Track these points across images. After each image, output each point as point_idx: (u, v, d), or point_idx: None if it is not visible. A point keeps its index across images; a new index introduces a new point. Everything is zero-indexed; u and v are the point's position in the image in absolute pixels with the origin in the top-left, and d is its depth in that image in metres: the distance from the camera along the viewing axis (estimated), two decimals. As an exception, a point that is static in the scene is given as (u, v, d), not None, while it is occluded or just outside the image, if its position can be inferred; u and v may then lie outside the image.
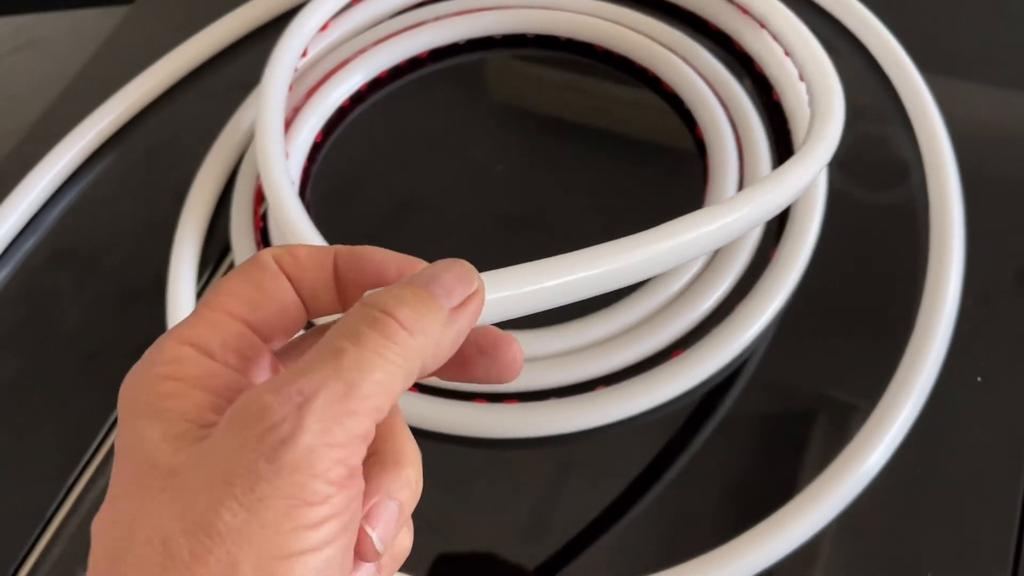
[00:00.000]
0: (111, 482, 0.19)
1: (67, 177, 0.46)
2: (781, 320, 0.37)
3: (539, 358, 0.37)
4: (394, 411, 0.21)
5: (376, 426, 0.18)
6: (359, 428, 0.18)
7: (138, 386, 0.19)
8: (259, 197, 0.43)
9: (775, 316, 0.36)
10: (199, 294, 0.41)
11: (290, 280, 0.21)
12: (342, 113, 0.46)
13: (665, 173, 0.43)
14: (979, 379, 0.35)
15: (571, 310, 0.37)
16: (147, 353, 0.20)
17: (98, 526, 0.19)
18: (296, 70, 0.44)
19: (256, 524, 0.17)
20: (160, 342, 0.20)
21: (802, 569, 0.32)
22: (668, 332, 0.36)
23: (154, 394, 0.19)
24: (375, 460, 0.20)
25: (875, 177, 0.40)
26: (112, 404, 0.38)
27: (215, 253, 0.42)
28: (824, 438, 0.34)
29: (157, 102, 0.48)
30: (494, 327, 0.22)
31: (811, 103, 0.35)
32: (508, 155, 0.44)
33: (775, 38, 0.40)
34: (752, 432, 0.35)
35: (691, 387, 0.35)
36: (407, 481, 0.20)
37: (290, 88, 0.43)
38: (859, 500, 0.32)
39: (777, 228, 0.39)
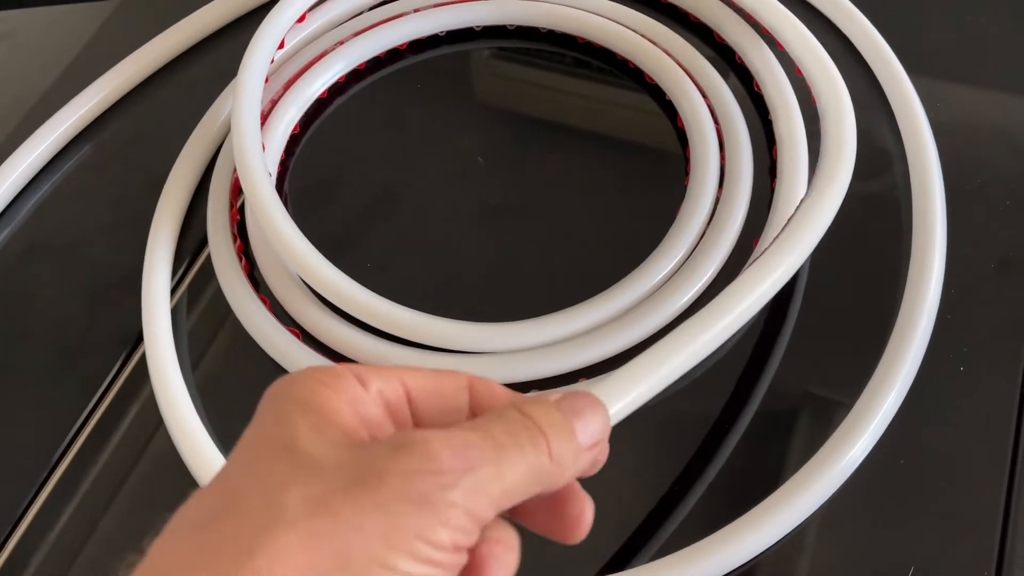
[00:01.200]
0: (230, 461, 0.20)
1: (41, 168, 0.45)
2: (759, 315, 0.36)
3: (520, 350, 0.36)
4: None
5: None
6: (489, 513, 0.20)
7: (296, 384, 0.21)
8: (236, 190, 0.42)
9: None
10: (174, 288, 0.40)
11: (471, 396, 0.23)
12: (320, 105, 0.45)
13: (646, 164, 0.43)
14: (961, 369, 0.35)
15: (552, 301, 0.37)
16: (313, 367, 0.21)
17: (199, 494, 0.20)
18: (273, 61, 0.44)
19: (378, 529, 0.18)
20: (331, 366, 0.22)
21: (784, 562, 0.31)
22: (650, 323, 0.36)
23: (311, 394, 0.20)
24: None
25: (857, 168, 0.40)
26: (87, 398, 0.38)
27: (191, 246, 0.42)
28: (807, 430, 0.34)
29: (134, 92, 0.48)
30: (578, 484, 0.23)
31: (822, 123, 0.36)
32: (489, 148, 0.44)
33: (801, 70, 0.40)
34: (734, 425, 0.35)
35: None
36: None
37: (267, 80, 0.42)
38: (841, 492, 0.32)
39: (758, 218, 0.38)
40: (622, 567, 0.31)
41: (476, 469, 0.20)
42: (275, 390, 0.21)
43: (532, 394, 0.24)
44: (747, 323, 0.31)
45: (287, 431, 0.20)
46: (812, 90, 0.38)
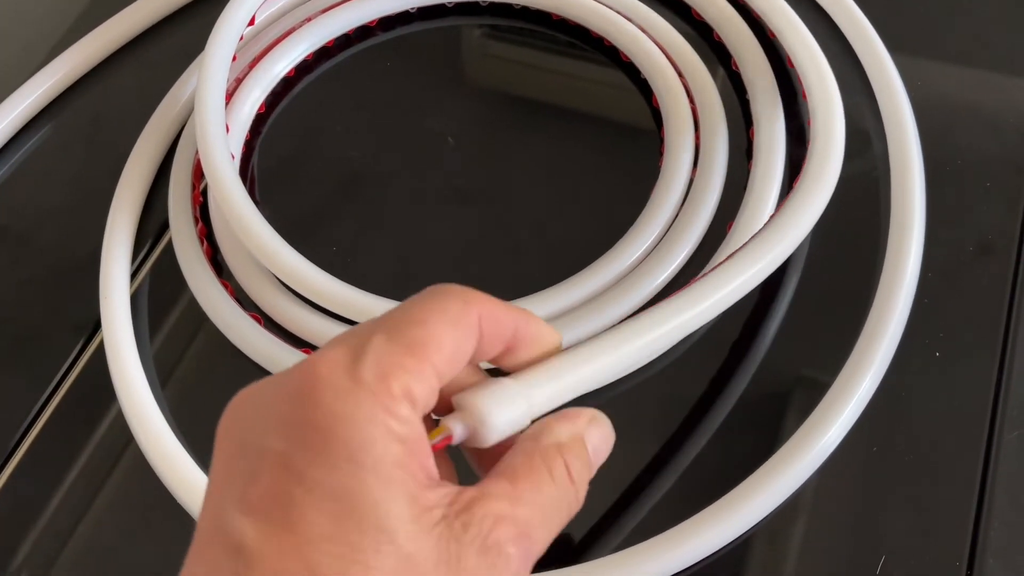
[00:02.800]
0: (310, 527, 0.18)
1: (-1, 149, 0.44)
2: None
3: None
4: None
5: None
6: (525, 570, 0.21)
7: (372, 434, 0.19)
8: (198, 172, 0.41)
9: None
10: (134, 273, 0.39)
11: (479, 337, 0.22)
12: (287, 84, 0.44)
13: (620, 143, 0.42)
14: (937, 355, 0.34)
15: (523, 284, 0.36)
16: (371, 386, 0.19)
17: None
18: (242, 38, 0.42)
19: None
20: (385, 380, 0.19)
21: (754, 551, 0.31)
22: (622, 306, 0.35)
23: (390, 454, 0.19)
24: None
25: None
26: (41, 388, 0.37)
27: (153, 230, 0.41)
28: (780, 415, 0.34)
29: (95, 71, 0.46)
30: None
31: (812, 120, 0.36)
32: (459, 127, 0.43)
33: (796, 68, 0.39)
34: (708, 410, 0.34)
35: (644, 363, 0.34)
36: None
37: (234, 58, 0.41)
38: (813, 481, 0.31)
39: (734, 200, 0.37)
40: (589, 557, 0.31)
41: (529, 531, 0.20)
42: (324, 424, 0.19)
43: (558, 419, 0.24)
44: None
45: (373, 506, 0.18)
46: (801, 80, 0.38)
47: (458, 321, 0.21)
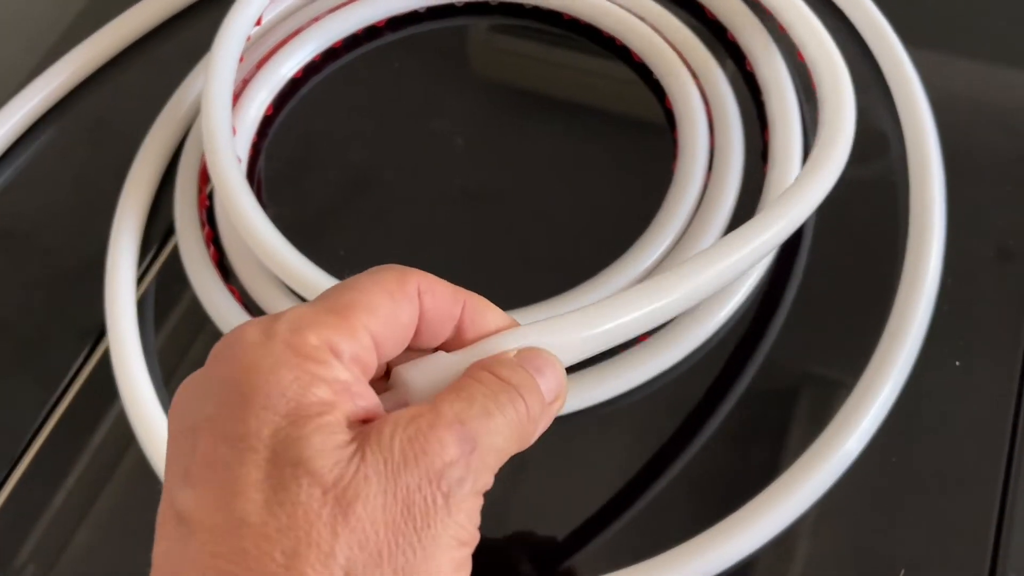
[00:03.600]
0: (195, 462, 0.19)
1: (3, 151, 0.44)
2: (754, 300, 0.35)
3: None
4: None
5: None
6: (488, 484, 0.20)
7: (285, 378, 0.19)
8: (205, 175, 0.40)
9: (748, 296, 0.35)
10: (140, 277, 0.39)
11: (420, 312, 0.22)
12: (294, 85, 0.44)
13: (633, 146, 0.41)
14: (957, 364, 0.33)
15: (533, 290, 0.36)
16: (284, 337, 0.19)
17: (196, 511, 0.18)
18: (249, 39, 0.42)
19: (430, 563, 0.18)
20: (300, 332, 0.19)
21: (775, 562, 0.30)
22: (634, 315, 0.35)
23: (307, 395, 0.19)
24: None
25: (853, 150, 0.39)
26: (47, 393, 0.37)
27: (158, 234, 0.40)
28: (800, 422, 0.33)
29: (100, 72, 0.46)
30: None
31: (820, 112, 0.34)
32: (469, 128, 0.42)
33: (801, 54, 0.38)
34: (725, 418, 0.33)
35: (659, 373, 0.34)
36: None
37: (242, 59, 0.41)
38: (832, 491, 0.31)
39: (749, 204, 0.37)
40: (606, 569, 0.30)
41: (476, 449, 0.19)
42: (258, 380, 0.19)
43: (486, 349, 0.23)
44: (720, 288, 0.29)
45: (293, 446, 0.18)
46: (812, 74, 0.37)
47: (393, 291, 0.21)
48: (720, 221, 0.36)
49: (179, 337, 0.38)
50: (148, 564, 0.32)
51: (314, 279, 0.35)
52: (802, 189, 0.31)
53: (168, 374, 0.37)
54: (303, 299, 0.36)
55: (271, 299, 0.37)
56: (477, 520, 0.20)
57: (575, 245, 0.38)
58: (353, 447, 0.19)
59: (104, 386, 0.36)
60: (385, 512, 0.18)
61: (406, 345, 0.22)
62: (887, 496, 0.31)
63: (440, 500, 0.19)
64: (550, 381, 0.22)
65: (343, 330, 0.20)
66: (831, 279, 0.36)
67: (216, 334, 0.37)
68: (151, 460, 0.34)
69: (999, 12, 0.42)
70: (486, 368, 0.21)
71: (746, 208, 0.37)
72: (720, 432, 0.33)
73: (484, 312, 0.23)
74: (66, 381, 0.37)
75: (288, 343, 0.19)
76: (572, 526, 0.32)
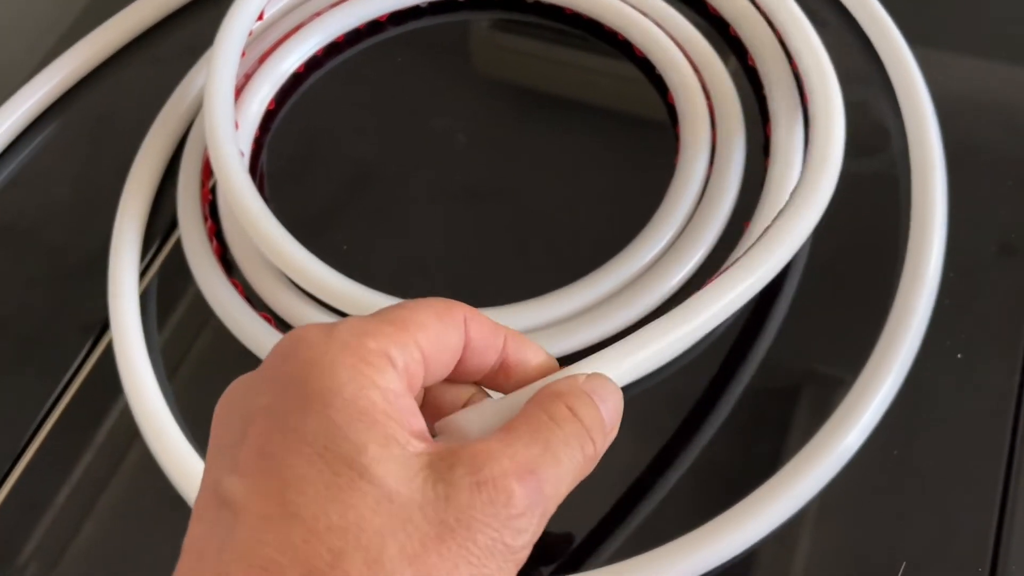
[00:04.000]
0: (278, 472, 0.19)
1: (4, 148, 0.44)
2: (756, 294, 0.35)
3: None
4: None
5: None
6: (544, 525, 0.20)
7: (342, 376, 0.19)
8: (207, 169, 0.40)
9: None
10: (143, 272, 0.39)
11: (465, 342, 0.22)
12: (297, 80, 0.44)
13: (634, 141, 0.41)
14: (959, 357, 0.33)
15: (535, 285, 0.36)
16: (344, 339, 0.20)
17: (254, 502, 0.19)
18: (251, 34, 0.42)
19: None
20: (359, 337, 0.20)
21: (774, 556, 0.30)
22: (636, 308, 0.35)
23: (362, 397, 0.19)
24: None
25: (855, 144, 0.39)
26: (50, 388, 0.37)
27: (161, 229, 0.40)
28: (798, 416, 0.33)
29: (102, 68, 0.46)
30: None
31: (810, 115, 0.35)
32: (471, 124, 0.42)
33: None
34: (726, 411, 0.33)
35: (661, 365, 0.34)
36: None
37: (243, 54, 0.41)
38: (832, 485, 0.31)
39: (751, 198, 0.37)
40: (606, 562, 0.30)
41: (546, 500, 0.20)
42: (318, 381, 0.19)
43: (558, 374, 0.23)
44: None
45: (350, 447, 0.19)
46: (804, 84, 0.37)
47: (442, 314, 0.22)
48: (722, 215, 0.36)
49: (182, 331, 0.38)
50: (150, 557, 0.33)
51: (317, 273, 0.35)
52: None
53: (171, 369, 0.37)
54: (306, 294, 0.36)
55: (274, 293, 0.37)
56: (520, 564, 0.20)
57: (577, 239, 0.38)
58: (417, 466, 0.19)
59: (107, 381, 0.36)
60: (441, 542, 0.18)
61: (450, 370, 0.22)
62: (888, 490, 0.31)
63: (501, 545, 0.19)
64: (612, 412, 0.23)
65: (398, 341, 0.20)
66: (832, 273, 0.36)
67: (220, 328, 0.37)
68: (156, 455, 0.34)
69: (1001, 8, 0.42)
70: (561, 399, 0.22)
71: (748, 202, 0.37)
72: (721, 426, 0.33)
73: (524, 347, 0.24)
74: (69, 376, 0.37)
75: (347, 344, 0.20)
76: (573, 518, 0.32)
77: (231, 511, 0.19)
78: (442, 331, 0.21)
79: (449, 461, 0.19)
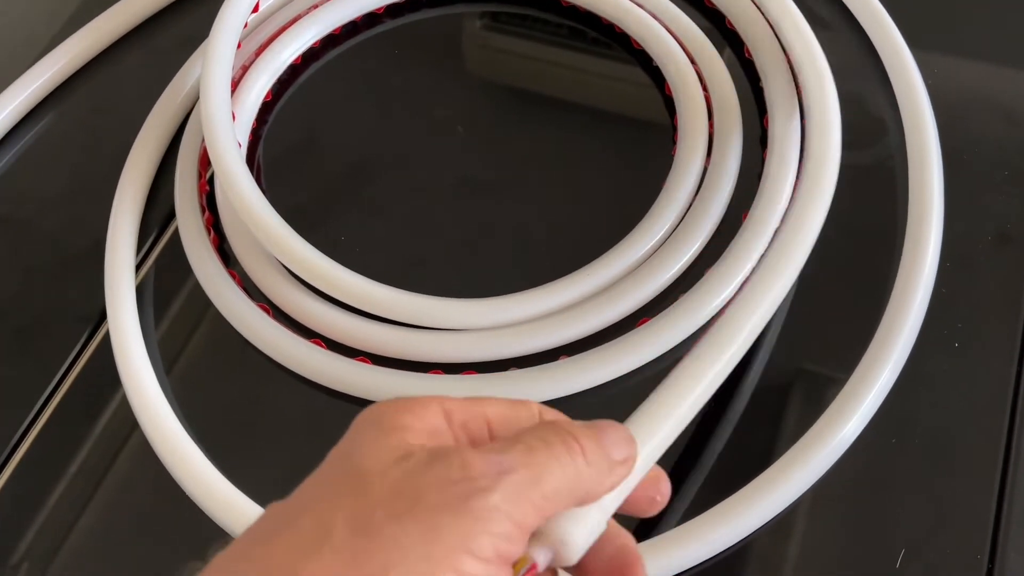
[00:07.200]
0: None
1: (2, 137, 0.43)
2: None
3: (499, 327, 0.35)
4: None
5: None
6: (532, 519, 0.20)
7: (382, 409, 0.21)
8: (205, 160, 0.40)
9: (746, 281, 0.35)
10: (140, 263, 0.39)
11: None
12: (294, 71, 0.44)
13: (633, 133, 0.41)
14: (956, 345, 0.33)
15: (534, 275, 0.36)
16: (407, 397, 0.22)
17: (272, 507, 0.20)
18: (247, 26, 0.42)
19: (419, 545, 0.18)
20: (422, 397, 0.22)
21: (772, 544, 0.31)
22: (634, 298, 0.35)
23: (390, 417, 0.21)
24: None
25: (852, 136, 0.39)
26: (46, 379, 0.37)
27: (158, 219, 0.40)
28: (798, 407, 0.33)
29: (98, 59, 0.46)
30: (634, 546, 0.24)
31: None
32: (469, 115, 0.42)
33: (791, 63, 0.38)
34: (724, 403, 0.33)
35: (658, 356, 0.34)
36: None
37: (239, 45, 0.41)
38: (832, 473, 0.31)
39: (748, 190, 0.37)
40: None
41: (511, 472, 0.20)
42: (362, 415, 0.21)
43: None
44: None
45: (351, 446, 0.20)
46: (799, 81, 0.37)
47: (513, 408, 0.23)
48: (719, 205, 0.36)
49: (180, 322, 0.38)
50: (148, 544, 0.32)
51: (315, 263, 0.35)
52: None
53: (169, 359, 0.37)
54: (304, 284, 0.36)
55: (272, 284, 0.37)
56: (501, 545, 0.19)
57: (576, 230, 0.38)
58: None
59: (105, 372, 0.36)
60: (390, 495, 0.19)
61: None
62: (887, 477, 0.31)
63: (455, 501, 0.19)
64: (614, 438, 0.22)
65: (461, 404, 0.22)
66: (830, 264, 0.36)
67: (217, 319, 0.37)
68: (153, 445, 0.34)
69: (995, 6, 0.42)
70: (544, 419, 0.22)
71: (745, 193, 0.37)
72: (721, 414, 0.33)
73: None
74: (66, 366, 0.37)
75: (409, 399, 0.22)
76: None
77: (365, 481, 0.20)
78: (515, 410, 0.23)
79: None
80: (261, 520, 0.20)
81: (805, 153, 0.34)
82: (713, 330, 0.28)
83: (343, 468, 0.20)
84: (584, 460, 0.21)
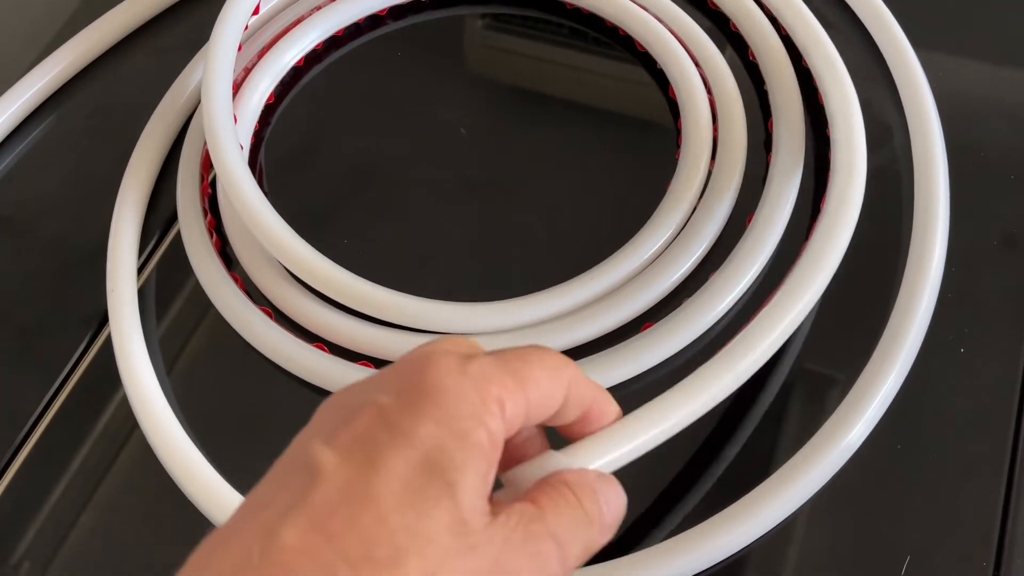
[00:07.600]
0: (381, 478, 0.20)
1: (3, 139, 0.43)
2: (757, 290, 0.35)
3: (504, 330, 0.35)
4: None
5: None
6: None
7: (465, 409, 0.20)
8: (207, 163, 0.40)
9: (751, 286, 0.35)
10: (142, 266, 0.39)
11: (564, 400, 0.24)
12: (296, 74, 0.44)
13: (636, 136, 0.41)
14: (962, 351, 0.33)
15: (537, 279, 0.35)
16: (475, 376, 0.21)
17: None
18: (247, 27, 0.42)
19: None
20: (487, 380, 0.21)
21: (776, 551, 0.30)
22: (638, 303, 0.35)
23: (473, 431, 0.20)
24: None
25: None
26: (48, 382, 0.37)
27: (160, 223, 0.40)
28: (803, 412, 0.33)
29: (99, 60, 0.46)
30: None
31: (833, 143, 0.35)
32: (472, 118, 0.42)
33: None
34: (728, 408, 0.33)
35: (662, 360, 0.34)
36: None
37: (240, 47, 0.41)
38: (836, 479, 0.31)
39: (753, 193, 0.37)
40: (610, 556, 0.30)
41: (565, 551, 0.21)
42: (427, 389, 0.21)
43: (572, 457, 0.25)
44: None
45: (450, 464, 0.20)
46: (820, 91, 0.37)
47: (554, 373, 0.23)
48: (723, 210, 0.36)
49: (181, 325, 0.38)
50: (149, 546, 0.32)
51: (318, 267, 0.35)
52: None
53: (170, 362, 0.36)
54: (307, 287, 0.36)
55: (274, 287, 0.37)
56: None
57: (580, 234, 0.38)
58: (489, 506, 0.20)
59: (106, 374, 0.36)
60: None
61: (543, 420, 0.23)
62: (892, 483, 0.31)
63: None
64: (613, 510, 0.24)
65: (514, 394, 0.21)
66: (836, 269, 0.36)
67: (219, 322, 0.36)
68: (154, 447, 0.34)
69: (999, 7, 0.42)
70: (569, 486, 0.23)
71: (750, 197, 0.37)
72: (725, 420, 0.33)
73: (608, 403, 0.25)
74: (68, 369, 0.37)
75: (476, 384, 0.21)
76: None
77: (311, 476, 0.19)
78: (550, 390, 0.23)
79: (508, 511, 0.21)
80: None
81: (832, 167, 0.34)
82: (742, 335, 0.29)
83: (452, 510, 0.20)
84: (587, 516, 0.22)
